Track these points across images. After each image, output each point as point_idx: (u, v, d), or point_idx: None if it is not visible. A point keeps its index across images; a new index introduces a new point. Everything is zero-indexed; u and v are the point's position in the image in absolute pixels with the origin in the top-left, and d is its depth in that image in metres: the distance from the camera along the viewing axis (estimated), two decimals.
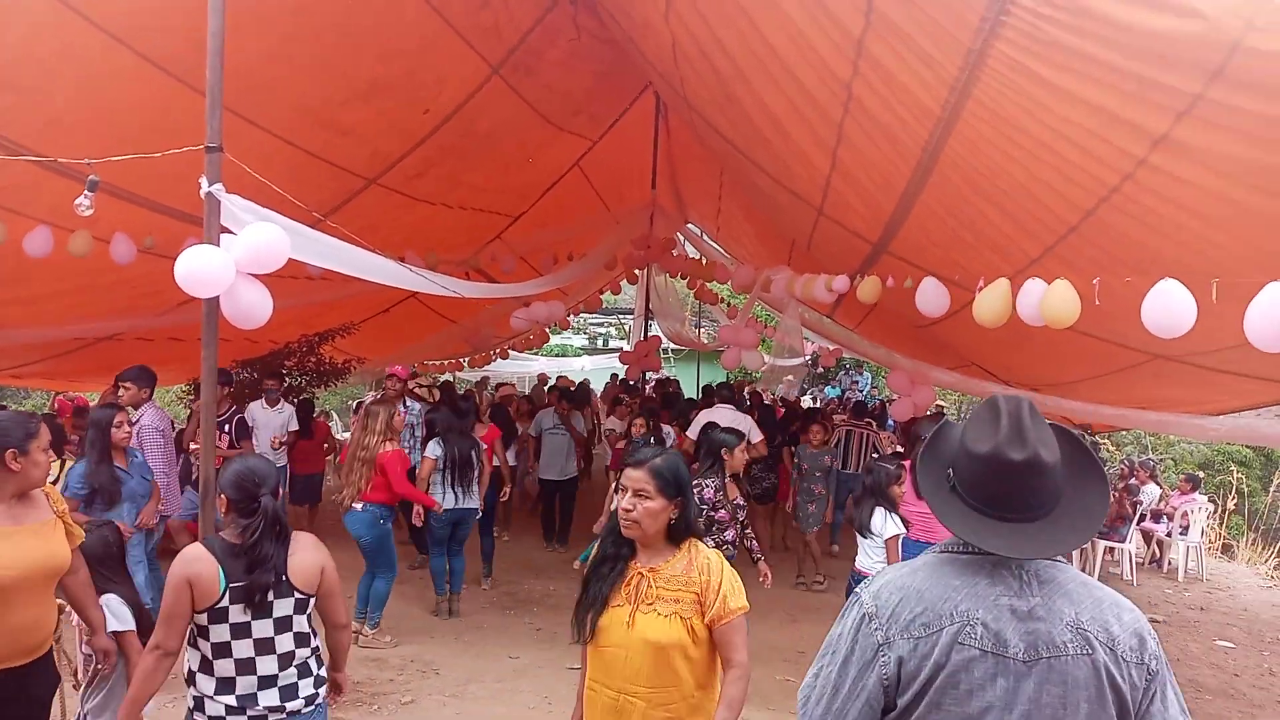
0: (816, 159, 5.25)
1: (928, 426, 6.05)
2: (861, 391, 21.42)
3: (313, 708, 3.00)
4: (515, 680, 5.57)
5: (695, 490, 4.98)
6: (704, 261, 11.02)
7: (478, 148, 8.12)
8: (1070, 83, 3.31)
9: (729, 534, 5.10)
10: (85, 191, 4.01)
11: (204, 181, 3.84)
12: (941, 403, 14.91)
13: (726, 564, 2.76)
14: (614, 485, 7.39)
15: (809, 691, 1.82)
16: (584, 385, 13.16)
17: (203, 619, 2.85)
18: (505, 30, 6.78)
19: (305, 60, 5.91)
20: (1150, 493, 11.27)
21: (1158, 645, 1.72)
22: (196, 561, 2.85)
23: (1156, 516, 10.99)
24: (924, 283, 5.48)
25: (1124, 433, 17.60)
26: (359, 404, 10.45)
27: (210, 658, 2.87)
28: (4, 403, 11.30)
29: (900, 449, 9.14)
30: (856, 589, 1.89)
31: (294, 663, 2.96)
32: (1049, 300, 4.28)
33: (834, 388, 22.99)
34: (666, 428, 8.98)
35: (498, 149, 8.42)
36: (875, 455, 9.27)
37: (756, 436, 8.04)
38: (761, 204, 8.46)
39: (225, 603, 2.84)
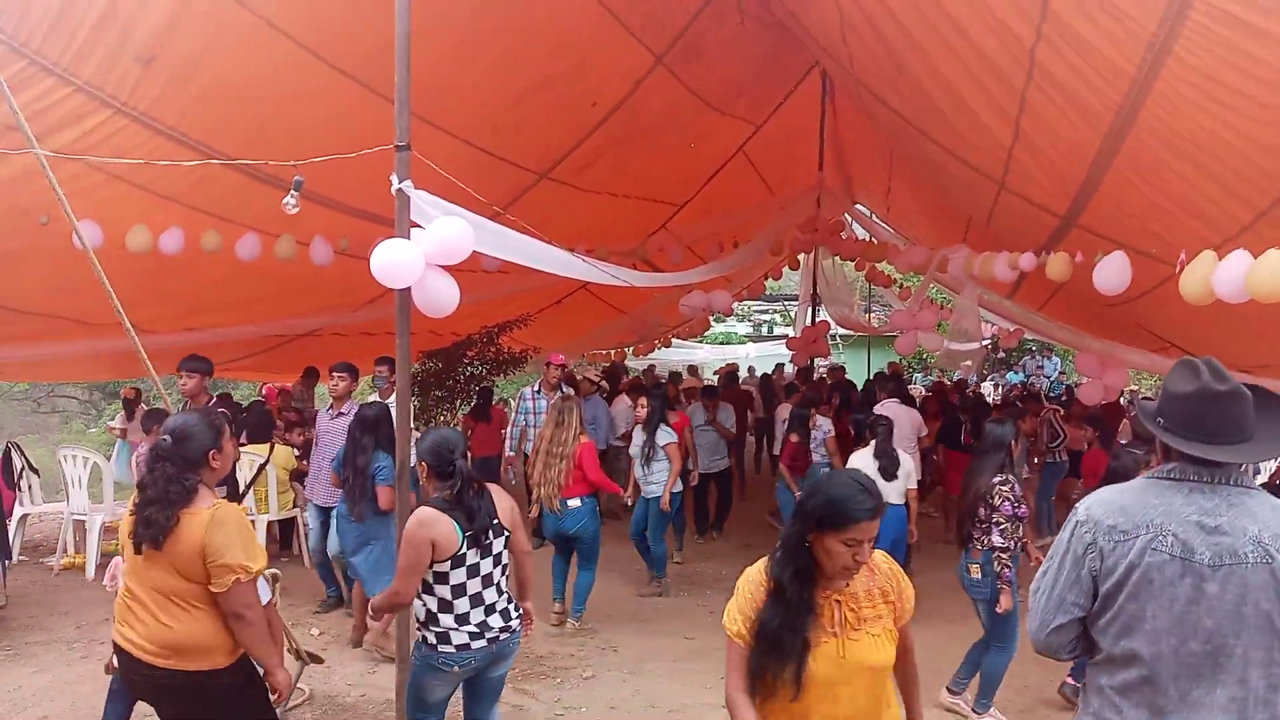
0: (997, 130, 5.03)
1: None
2: (1049, 377, 20.31)
3: (518, 623, 3.61)
4: (691, 660, 5.65)
5: (1008, 488, 4.75)
6: (874, 242, 10.74)
7: (643, 137, 8.24)
8: None
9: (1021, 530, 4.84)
10: (291, 191, 4.34)
11: (394, 179, 4.07)
12: (1135, 387, 13.96)
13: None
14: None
15: (1040, 581, 2.30)
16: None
17: (444, 567, 3.35)
18: (669, 19, 6.85)
19: (480, 62, 6.17)
20: None
21: None
22: (437, 522, 3.32)
23: None
24: (1107, 258, 5.15)
25: None
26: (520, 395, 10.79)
27: (450, 599, 3.38)
28: (225, 393, 12.40)
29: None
30: (1077, 504, 2.31)
31: (504, 589, 3.54)
32: (1257, 273, 3.94)
33: (1016, 373, 21.89)
34: (825, 420, 8.64)
35: (662, 137, 8.52)
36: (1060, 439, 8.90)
37: (923, 431, 8.25)
38: (936, 181, 8.17)
39: (464, 549, 3.36)
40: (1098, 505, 2.22)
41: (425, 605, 3.42)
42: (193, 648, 2.90)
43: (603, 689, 5.19)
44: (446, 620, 3.40)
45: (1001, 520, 4.70)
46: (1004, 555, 4.68)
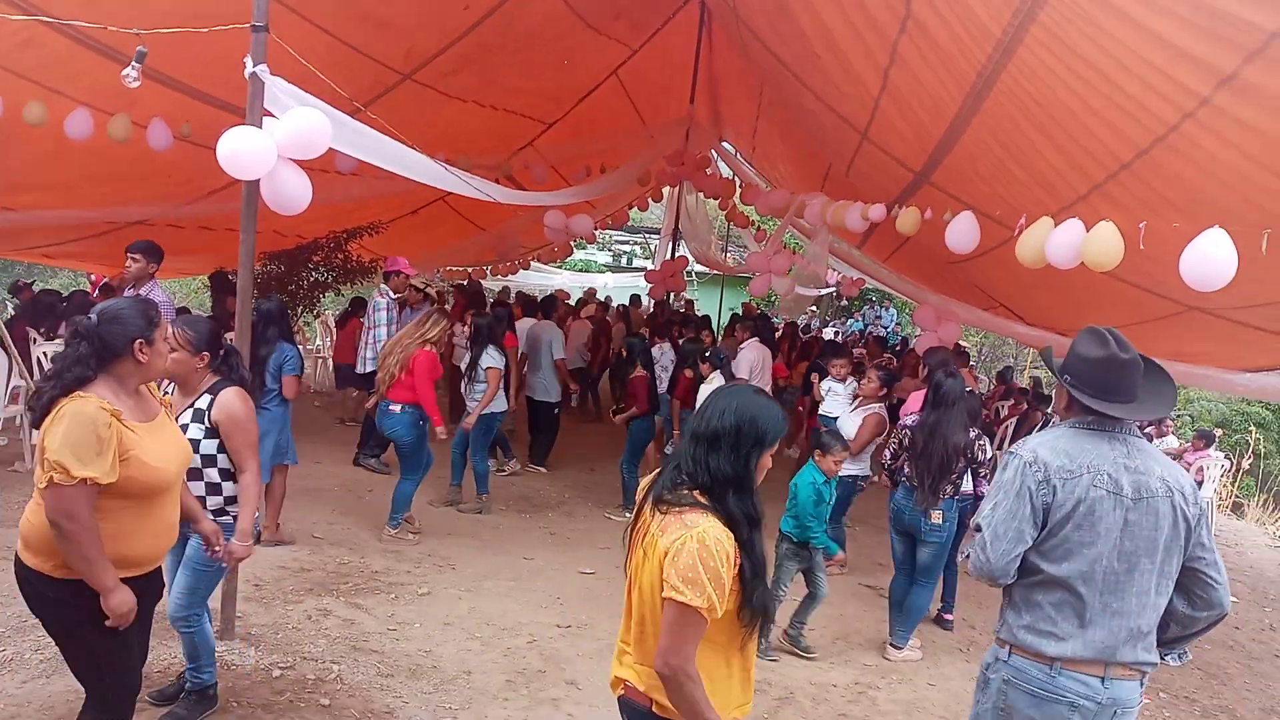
0: (868, 79, 5.14)
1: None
2: (886, 327, 21.30)
3: None
4: (529, 580, 5.71)
5: (983, 441, 5.17)
6: (738, 182, 10.86)
7: (515, 47, 7.97)
8: (1140, 11, 3.20)
9: None
10: (133, 62, 3.95)
11: (248, 61, 3.79)
12: (963, 343, 14.84)
13: None
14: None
15: (991, 516, 2.64)
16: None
17: None
18: None
19: None
20: (1168, 444, 11.25)
21: (1198, 493, 2.64)
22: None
23: None
24: (959, 217, 5.38)
25: None
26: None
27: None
28: (31, 280, 11.43)
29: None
30: (1013, 449, 2.70)
31: None
32: (1091, 243, 4.20)
33: (857, 321, 22.87)
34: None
35: (536, 51, 8.27)
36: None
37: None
38: (802, 125, 8.31)
39: None
40: (1042, 448, 2.63)
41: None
42: (33, 540, 2.65)
43: (438, 605, 5.17)
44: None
45: (985, 471, 5.12)
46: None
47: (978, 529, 2.69)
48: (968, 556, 2.83)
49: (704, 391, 6.51)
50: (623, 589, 2.36)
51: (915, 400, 6.07)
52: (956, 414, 5.09)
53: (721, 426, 2.19)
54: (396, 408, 6.02)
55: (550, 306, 9.20)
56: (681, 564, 2.06)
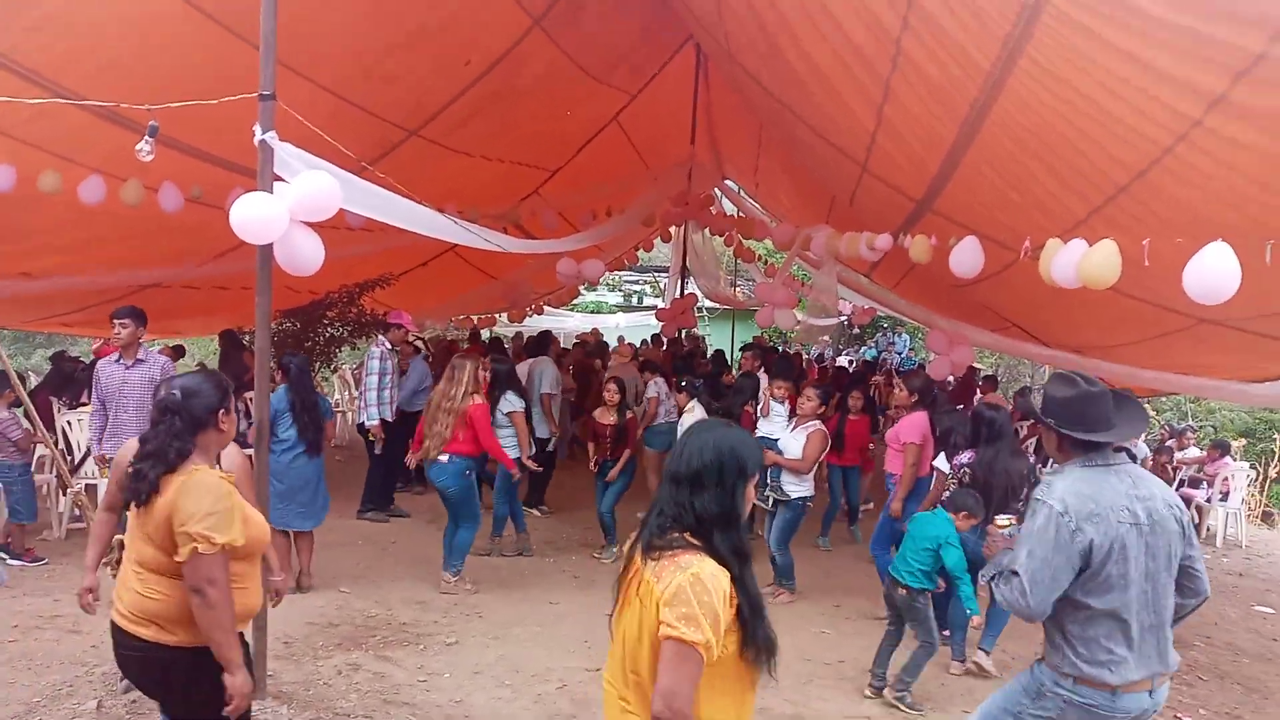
0: (862, 115, 5.21)
1: (918, 381, 6.75)
2: (899, 353, 21.25)
3: None
4: (556, 625, 5.71)
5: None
6: (743, 218, 10.95)
7: (518, 100, 8.11)
8: (1125, 40, 3.26)
9: None
10: (146, 136, 4.07)
11: (257, 129, 3.90)
12: (978, 365, 14.82)
13: None
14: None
15: (1028, 563, 2.84)
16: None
17: None
18: None
19: (352, 7, 5.93)
20: (1190, 454, 11.17)
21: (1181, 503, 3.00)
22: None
23: (1195, 482, 10.88)
24: (962, 242, 5.42)
25: (1163, 398, 17.39)
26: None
27: None
28: (59, 349, 11.59)
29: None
30: (1038, 497, 2.91)
31: None
32: (1088, 261, 4.22)
33: (870, 349, 22.82)
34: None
35: (537, 102, 8.41)
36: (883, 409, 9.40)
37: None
38: (802, 160, 8.40)
39: None
40: (1070, 498, 2.85)
41: None
42: (164, 617, 2.73)
43: (467, 654, 5.19)
44: None
45: None
46: None
47: (1013, 574, 2.88)
48: (991, 580, 3.03)
49: (684, 423, 6.53)
50: None
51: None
52: (1009, 444, 5.28)
53: (702, 464, 2.16)
54: (444, 458, 6.08)
55: (544, 343, 9.37)
56: (678, 602, 2.03)
